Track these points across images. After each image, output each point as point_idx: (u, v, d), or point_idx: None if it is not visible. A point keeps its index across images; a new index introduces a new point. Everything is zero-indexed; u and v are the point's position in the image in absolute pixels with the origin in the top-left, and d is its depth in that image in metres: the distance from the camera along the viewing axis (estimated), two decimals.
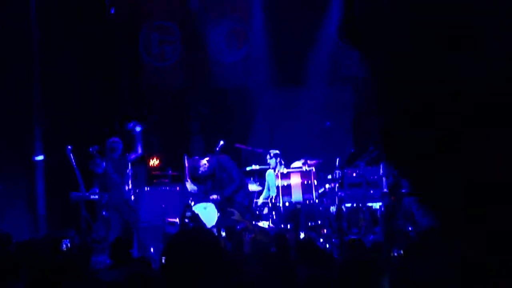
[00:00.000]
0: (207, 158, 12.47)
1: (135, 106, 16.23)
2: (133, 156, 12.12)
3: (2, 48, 13.60)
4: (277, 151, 13.22)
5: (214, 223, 11.77)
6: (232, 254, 6.76)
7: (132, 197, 12.05)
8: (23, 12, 13.59)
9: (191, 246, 2.93)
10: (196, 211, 11.57)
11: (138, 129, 12.16)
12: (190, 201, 12.05)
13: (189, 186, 12.71)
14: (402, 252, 6.32)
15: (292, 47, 15.50)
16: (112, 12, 15.90)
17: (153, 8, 16.26)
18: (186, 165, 12.74)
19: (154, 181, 14.37)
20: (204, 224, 7.63)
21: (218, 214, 11.98)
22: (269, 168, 13.27)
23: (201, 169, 12.36)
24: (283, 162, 13.13)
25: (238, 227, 10.96)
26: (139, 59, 16.20)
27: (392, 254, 6.30)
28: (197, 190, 12.62)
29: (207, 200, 12.41)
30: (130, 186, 12.00)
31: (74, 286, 3.48)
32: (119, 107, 16.03)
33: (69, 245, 10.79)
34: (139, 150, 12.16)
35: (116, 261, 7.62)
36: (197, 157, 12.61)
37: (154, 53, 16.29)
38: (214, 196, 12.19)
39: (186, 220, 7.79)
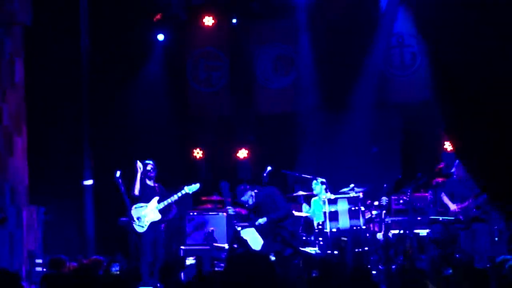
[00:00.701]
0: (255, 191, 12.43)
1: (181, 131, 16.36)
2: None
3: (56, 77, 13.89)
4: (323, 179, 13.20)
5: (259, 248, 11.79)
6: (281, 278, 6.80)
7: None
8: (72, 41, 13.84)
9: (250, 268, 2.99)
10: (244, 237, 11.61)
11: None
12: (237, 227, 12.08)
13: (230, 210, 12.75)
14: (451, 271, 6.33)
15: (339, 73, 15.50)
16: (162, 39, 16.10)
17: (200, 35, 16.43)
18: (228, 190, 12.80)
19: (200, 206, 14.43)
20: (252, 249, 7.66)
21: (263, 239, 12.00)
22: (314, 195, 13.26)
23: (247, 200, 12.34)
24: (328, 190, 13.11)
25: (286, 252, 10.98)
26: (187, 85, 16.35)
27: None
28: (235, 214, 12.67)
29: (252, 225, 12.44)
30: None
31: None
32: (166, 133, 16.18)
33: (118, 269, 10.93)
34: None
35: (165, 286, 7.72)
36: (245, 186, 12.57)
37: (201, 79, 16.44)
38: (261, 220, 12.19)
39: (235, 246, 7.82)
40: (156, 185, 12.25)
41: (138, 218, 11.93)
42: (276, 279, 3.19)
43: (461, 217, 11.85)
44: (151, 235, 11.98)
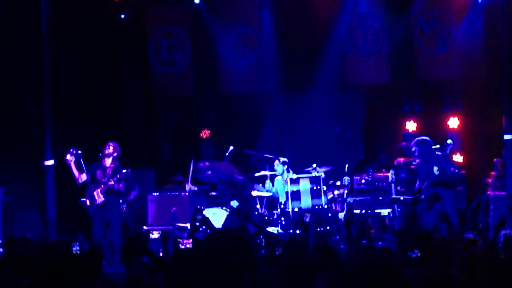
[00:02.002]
0: (216, 165, 12.49)
1: (144, 111, 16.29)
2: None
3: (14, 57, 13.71)
4: (286, 159, 13.26)
5: (220, 226, 11.83)
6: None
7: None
8: (34, 22, 13.65)
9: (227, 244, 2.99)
10: (206, 214, 11.63)
11: None
12: (200, 206, 12.08)
13: (187, 186, 12.74)
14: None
15: (302, 53, 15.53)
16: (122, 18, 15.96)
17: (162, 14, 16.32)
18: (191, 167, 12.79)
19: (163, 186, 14.40)
20: (215, 228, 7.67)
21: (225, 218, 12.05)
22: (277, 174, 13.31)
23: (207, 177, 12.39)
24: (290, 170, 13.16)
25: (250, 231, 11.02)
26: (148, 65, 16.23)
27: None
28: (197, 189, 12.66)
29: (217, 206, 12.47)
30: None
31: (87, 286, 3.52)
32: (129, 113, 16.10)
33: (78, 248, 10.84)
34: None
35: (127, 266, 7.67)
36: (205, 164, 12.62)
37: (164, 59, 16.33)
38: (234, 204, 12.25)
39: (197, 224, 7.82)
40: (113, 166, 12.19)
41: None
42: (253, 255, 3.19)
43: (422, 197, 11.96)
44: (101, 216, 12.06)
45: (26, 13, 13.90)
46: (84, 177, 12.11)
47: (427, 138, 11.81)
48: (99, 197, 11.99)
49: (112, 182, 11.99)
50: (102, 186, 12.02)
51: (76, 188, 12.35)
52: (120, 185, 12.09)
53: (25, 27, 13.81)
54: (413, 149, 11.81)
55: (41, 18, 13.43)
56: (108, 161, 12.23)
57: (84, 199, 12.15)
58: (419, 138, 11.95)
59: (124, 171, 12.04)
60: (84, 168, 12.06)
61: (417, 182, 11.77)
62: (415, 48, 15.37)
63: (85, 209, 12.29)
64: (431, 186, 11.38)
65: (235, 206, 12.18)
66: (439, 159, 11.55)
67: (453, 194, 11.59)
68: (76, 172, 12.06)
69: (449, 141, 11.97)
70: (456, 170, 11.61)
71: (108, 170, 12.14)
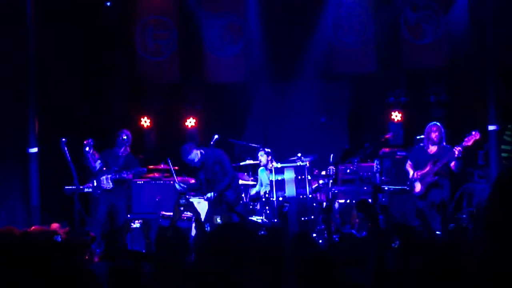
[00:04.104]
0: (201, 150, 12.47)
1: (131, 100, 16.24)
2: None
3: None
4: (269, 150, 13.26)
5: (204, 213, 11.85)
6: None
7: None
8: (18, 8, 13.57)
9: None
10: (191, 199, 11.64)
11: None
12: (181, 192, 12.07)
13: (177, 185, 12.73)
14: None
15: (287, 43, 15.51)
16: (108, 5, 15.89)
17: (148, 2, 16.25)
18: (171, 167, 12.77)
19: (148, 175, 14.38)
20: (199, 213, 7.69)
21: (207, 208, 12.07)
22: (260, 165, 13.32)
23: (194, 158, 12.37)
24: (273, 160, 13.16)
25: (233, 220, 11.03)
26: (134, 53, 16.18)
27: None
28: (185, 188, 12.64)
29: (200, 196, 12.46)
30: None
31: (64, 277, 3.48)
32: (115, 101, 16.05)
33: (61, 238, 10.80)
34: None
35: (108, 254, 7.68)
36: (190, 145, 12.59)
37: (150, 47, 16.29)
38: (209, 195, 12.24)
39: (181, 208, 7.81)
40: (125, 154, 12.54)
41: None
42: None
43: (407, 187, 12.00)
44: (108, 200, 12.31)
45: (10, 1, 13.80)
46: (98, 164, 12.32)
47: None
48: (108, 183, 12.24)
49: (125, 175, 12.28)
50: (113, 174, 12.26)
51: (61, 176, 12.37)
52: (130, 175, 12.39)
53: (10, 12, 13.71)
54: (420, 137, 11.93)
55: (26, 4, 13.35)
56: (120, 149, 12.49)
57: (74, 187, 12.21)
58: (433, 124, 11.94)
59: (141, 169, 12.56)
60: (96, 156, 12.32)
61: (412, 172, 11.80)
62: (401, 38, 15.39)
63: (71, 197, 12.28)
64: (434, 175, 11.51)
65: (211, 197, 12.18)
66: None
67: (450, 184, 11.72)
68: (92, 161, 12.24)
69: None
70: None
71: (120, 159, 12.34)
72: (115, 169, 12.29)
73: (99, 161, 12.30)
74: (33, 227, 9.88)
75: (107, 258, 7.64)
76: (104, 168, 12.31)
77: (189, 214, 11.21)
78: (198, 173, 12.67)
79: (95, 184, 12.28)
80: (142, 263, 6.27)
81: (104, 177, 12.25)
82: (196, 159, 12.36)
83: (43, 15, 13.68)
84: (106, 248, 8.33)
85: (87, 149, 12.08)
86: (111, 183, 12.25)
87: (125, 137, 12.48)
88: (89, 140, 12.11)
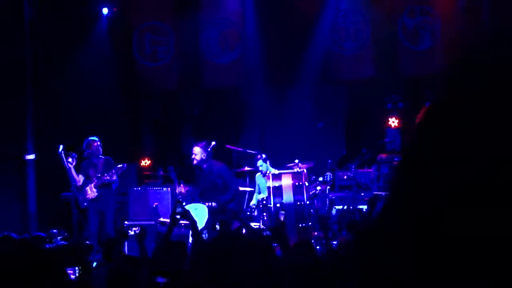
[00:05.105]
0: (205, 156, 12.39)
1: (128, 106, 16.24)
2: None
3: None
4: (265, 155, 13.22)
5: (203, 224, 11.80)
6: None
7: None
8: (15, 13, 13.58)
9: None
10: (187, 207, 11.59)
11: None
12: (180, 198, 12.05)
13: (178, 189, 12.70)
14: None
15: (285, 49, 15.53)
16: (105, 12, 15.90)
17: (145, 8, 16.26)
18: (174, 173, 12.76)
19: (145, 181, 14.37)
20: (195, 221, 7.68)
21: (208, 217, 12.02)
22: (258, 171, 13.28)
23: (196, 154, 12.35)
24: (269, 166, 13.13)
25: (233, 226, 11.01)
26: (132, 59, 16.19)
27: None
28: (190, 190, 12.62)
29: (198, 202, 12.44)
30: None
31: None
32: (112, 107, 16.03)
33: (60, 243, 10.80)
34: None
35: (107, 260, 7.67)
36: (202, 144, 12.54)
37: (147, 53, 16.30)
38: (213, 204, 12.22)
39: (178, 216, 7.80)
40: (102, 160, 12.23)
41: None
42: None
43: None
44: (96, 207, 12.12)
45: (7, 6, 13.81)
46: (81, 178, 12.16)
47: None
48: (92, 192, 12.08)
49: (108, 177, 12.09)
50: (96, 180, 12.09)
51: (59, 183, 12.36)
52: (114, 177, 12.19)
53: (6, 19, 13.72)
54: None
55: (23, 11, 13.37)
56: (95, 157, 12.26)
57: (71, 194, 12.17)
58: None
59: (120, 166, 12.18)
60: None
61: None
62: (398, 44, 15.41)
63: (68, 203, 12.28)
64: None
65: (213, 206, 12.17)
66: None
67: None
68: (75, 175, 12.09)
69: None
70: None
71: (98, 166, 12.19)
72: (97, 176, 12.13)
73: (81, 176, 12.17)
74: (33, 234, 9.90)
75: (106, 262, 7.64)
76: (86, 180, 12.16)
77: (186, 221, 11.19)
78: (198, 180, 12.63)
79: (80, 198, 12.13)
80: (140, 267, 6.28)
81: (88, 187, 12.08)
82: (197, 159, 12.33)
83: (40, 22, 13.71)
84: (104, 254, 8.30)
85: (69, 160, 11.98)
86: (95, 191, 12.10)
87: (98, 144, 12.26)
88: (72, 153, 12.05)
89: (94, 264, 8.68)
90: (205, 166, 12.36)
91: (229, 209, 11.84)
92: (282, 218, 8.26)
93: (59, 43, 14.50)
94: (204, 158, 12.32)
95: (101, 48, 15.78)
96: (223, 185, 12.31)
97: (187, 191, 12.71)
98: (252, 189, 13.41)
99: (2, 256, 3.18)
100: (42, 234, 10.03)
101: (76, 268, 6.92)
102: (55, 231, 10.92)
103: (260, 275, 2.95)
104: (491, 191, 1.22)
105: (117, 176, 12.26)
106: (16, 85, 13.60)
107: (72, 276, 6.63)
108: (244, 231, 10.23)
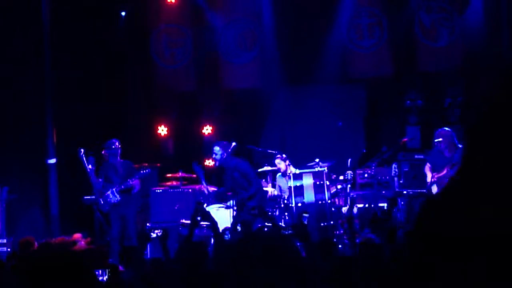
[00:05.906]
0: (224, 153, 12.42)
1: (148, 108, 16.27)
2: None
3: (16, 54, 13.70)
4: (285, 155, 13.22)
5: (227, 224, 11.83)
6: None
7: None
8: (35, 18, 13.66)
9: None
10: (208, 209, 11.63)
11: None
12: (201, 199, 12.10)
13: (204, 189, 12.74)
14: None
15: (303, 48, 15.52)
16: (123, 15, 15.96)
17: (163, 10, 16.30)
18: (197, 171, 12.78)
19: (166, 183, 14.40)
20: (216, 222, 7.69)
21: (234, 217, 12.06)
22: (280, 171, 13.29)
23: (216, 152, 12.40)
24: (291, 165, 13.13)
25: (254, 226, 11.03)
26: (150, 62, 16.23)
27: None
28: (216, 190, 12.68)
29: (220, 202, 12.47)
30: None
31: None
32: (132, 110, 16.09)
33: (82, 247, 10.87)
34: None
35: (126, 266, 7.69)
36: (223, 143, 12.58)
37: (165, 55, 16.34)
38: (230, 203, 12.27)
39: (198, 218, 7.80)
40: (121, 163, 12.24)
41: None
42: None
43: (425, 191, 11.96)
44: (118, 212, 12.08)
45: (26, 10, 13.89)
46: (100, 181, 12.16)
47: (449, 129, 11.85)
48: (115, 197, 12.03)
49: (131, 182, 12.06)
50: (118, 185, 12.05)
51: (80, 186, 12.42)
52: (136, 181, 12.15)
53: (26, 23, 13.81)
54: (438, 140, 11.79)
55: (42, 14, 13.44)
56: (115, 159, 12.22)
57: (93, 197, 12.20)
58: (442, 129, 11.90)
59: (143, 171, 12.15)
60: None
61: (431, 176, 11.76)
62: (416, 41, 15.36)
63: (90, 207, 12.34)
64: None
65: (232, 206, 12.21)
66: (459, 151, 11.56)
67: None
68: (96, 179, 12.11)
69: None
70: None
71: (119, 169, 12.18)
72: (118, 180, 12.12)
73: (100, 179, 12.17)
74: (58, 238, 9.95)
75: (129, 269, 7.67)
76: (105, 182, 12.16)
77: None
78: (224, 181, 12.70)
79: (101, 202, 12.14)
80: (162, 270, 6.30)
81: (109, 191, 12.05)
82: (217, 158, 12.38)
83: (59, 24, 13.78)
84: (121, 262, 8.34)
85: (89, 166, 12.01)
86: (117, 196, 12.07)
87: (119, 146, 12.24)
88: (90, 158, 12.06)
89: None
90: (227, 165, 12.39)
91: (254, 205, 11.85)
92: (306, 222, 8.27)
93: (79, 46, 14.56)
94: (224, 157, 12.36)
95: (119, 50, 15.83)
96: (247, 183, 12.34)
97: (209, 192, 12.73)
98: (273, 189, 13.42)
99: (44, 262, 3.20)
100: (66, 237, 10.11)
101: (101, 271, 6.95)
102: (79, 234, 10.99)
103: (289, 279, 2.95)
104: None
105: (140, 181, 12.25)
106: (36, 89, 13.68)
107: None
108: (266, 228, 10.28)
